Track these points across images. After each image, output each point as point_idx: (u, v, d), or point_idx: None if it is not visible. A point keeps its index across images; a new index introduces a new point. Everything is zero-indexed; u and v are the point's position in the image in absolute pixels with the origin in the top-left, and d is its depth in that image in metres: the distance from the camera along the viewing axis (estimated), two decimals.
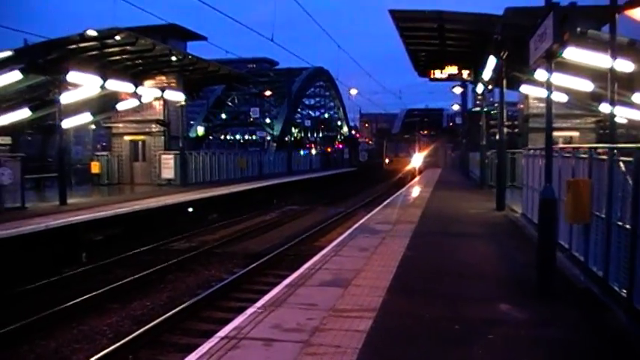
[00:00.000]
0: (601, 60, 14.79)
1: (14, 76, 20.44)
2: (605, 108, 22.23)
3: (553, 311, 7.92)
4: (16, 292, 13.58)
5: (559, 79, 18.84)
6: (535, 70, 17.73)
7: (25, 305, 12.59)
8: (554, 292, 8.59)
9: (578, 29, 12.49)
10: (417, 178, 44.43)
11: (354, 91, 66.90)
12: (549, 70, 8.88)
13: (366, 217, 18.74)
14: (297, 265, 12.78)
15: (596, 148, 9.47)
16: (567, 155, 11.27)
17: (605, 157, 8.67)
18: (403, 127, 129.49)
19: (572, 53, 13.86)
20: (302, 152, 68.74)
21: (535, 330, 7.18)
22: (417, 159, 61.10)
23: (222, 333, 6.96)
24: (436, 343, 6.69)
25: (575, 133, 29.33)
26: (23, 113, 24.64)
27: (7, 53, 20.22)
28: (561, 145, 16.18)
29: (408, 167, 57.64)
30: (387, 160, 63.53)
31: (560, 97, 24.37)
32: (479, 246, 13.37)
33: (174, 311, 11.65)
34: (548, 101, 9.04)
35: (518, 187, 23.80)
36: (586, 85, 20.46)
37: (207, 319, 11.65)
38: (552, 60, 8.78)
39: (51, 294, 13.68)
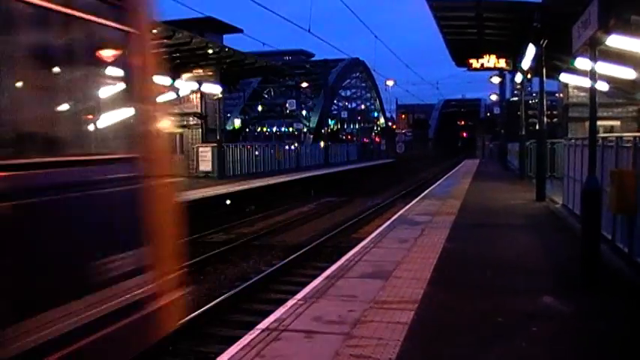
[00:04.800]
0: None
1: None
2: None
3: (599, 304, 7.77)
4: None
5: (599, 67, 18.49)
6: (575, 59, 17.48)
7: None
8: (599, 284, 8.43)
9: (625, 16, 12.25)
10: (454, 170, 44.03)
11: (390, 82, 66.77)
12: (593, 59, 8.70)
13: (404, 209, 18.65)
14: (336, 257, 12.77)
15: None
16: (610, 145, 11.08)
17: None
18: (440, 118, 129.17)
19: (617, 41, 13.56)
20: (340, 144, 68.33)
21: (581, 323, 7.06)
22: None
23: (263, 325, 6.94)
24: (479, 336, 6.60)
25: (617, 123, 28.85)
26: None
27: None
28: (603, 135, 15.89)
29: None
30: None
31: (600, 86, 23.93)
32: (520, 237, 13.21)
33: (213, 303, 11.68)
34: (592, 90, 8.86)
35: (557, 178, 23.51)
36: (628, 73, 20.01)
37: (247, 311, 11.66)
38: (596, 47, 8.60)
39: None
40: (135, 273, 4.82)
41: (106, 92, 5.13)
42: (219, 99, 31.82)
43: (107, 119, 5.10)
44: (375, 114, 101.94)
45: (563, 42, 12.87)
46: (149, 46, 5.32)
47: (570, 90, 29.94)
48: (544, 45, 18.83)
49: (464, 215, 16.72)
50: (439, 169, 61.19)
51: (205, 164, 31.20)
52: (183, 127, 32.53)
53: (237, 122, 69.87)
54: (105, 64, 5.01)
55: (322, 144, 54.87)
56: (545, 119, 21.84)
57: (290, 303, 7.85)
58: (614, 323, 7.01)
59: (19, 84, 4.28)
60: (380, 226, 15.59)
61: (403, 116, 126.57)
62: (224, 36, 35.41)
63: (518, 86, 33.42)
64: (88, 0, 4.70)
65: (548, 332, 6.66)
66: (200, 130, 32.15)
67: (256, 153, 37.27)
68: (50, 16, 4.27)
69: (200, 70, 30.27)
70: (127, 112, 5.13)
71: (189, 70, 29.96)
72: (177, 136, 32.89)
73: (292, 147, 46.83)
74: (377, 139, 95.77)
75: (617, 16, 8.39)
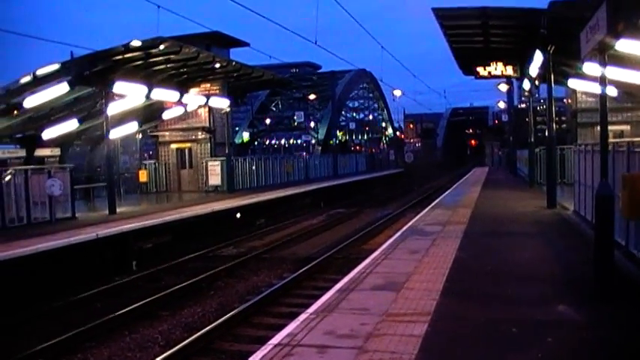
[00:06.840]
0: None
1: (62, 88, 20.72)
2: None
3: (614, 312, 7.66)
4: (69, 301, 13.71)
5: (609, 72, 18.36)
6: (583, 64, 17.39)
7: (77, 314, 12.70)
8: (613, 291, 8.31)
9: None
10: (464, 178, 43.88)
11: (398, 92, 66.44)
12: (602, 64, 8.63)
13: (415, 219, 18.57)
14: (347, 269, 12.69)
15: None
16: (621, 150, 10.98)
17: None
18: (448, 126, 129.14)
19: (626, 45, 13.46)
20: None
21: (596, 332, 6.94)
22: None
23: (275, 340, 6.88)
24: (494, 347, 6.51)
25: (626, 127, 28.73)
26: (71, 125, 25.00)
27: (55, 66, 20.49)
28: (613, 140, 15.77)
29: None
30: None
31: (610, 91, 23.80)
32: (532, 245, 13.09)
33: (225, 318, 11.63)
34: (603, 95, 8.79)
35: (568, 184, 23.39)
36: (637, 78, 19.88)
37: (259, 325, 11.59)
38: (605, 52, 8.53)
39: (103, 302, 13.79)
40: None
41: None
42: (227, 113, 31.80)
43: None
44: (383, 124, 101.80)
45: (570, 48, 12.80)
46: None
47: (579, 95, 29.82)
48: (551, 51, 18.75)
49: (475, 224, 16.61)
50: (448, 177, 61.14)
51: (215, 178, 31.16)
52: (192, 141, 32.58)
53: (246, 135, 69.96)
54: None
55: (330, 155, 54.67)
56: (554, 125, 21.74)
57: (302, 317, 7.79)
58: (630, 332, 6.90)
59: None
60: (391, 236, 15.53)
61: (411, 126, 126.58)
62: (231, 50, 35.40)
63: (526, 93, 33.32)
64: None
65: (563, 343, 6.57)
66: (209, 144, 32.18)
67: (265, 166, 37.28)
68: None
69: (207, 85, 30.29)
70: None
71: (197, 85, 30.00)
72: (187, 150, 32.98)
73: (301, 159, 46.79)
74: (385, 149, 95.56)
75: (626, 20, 8.31)
